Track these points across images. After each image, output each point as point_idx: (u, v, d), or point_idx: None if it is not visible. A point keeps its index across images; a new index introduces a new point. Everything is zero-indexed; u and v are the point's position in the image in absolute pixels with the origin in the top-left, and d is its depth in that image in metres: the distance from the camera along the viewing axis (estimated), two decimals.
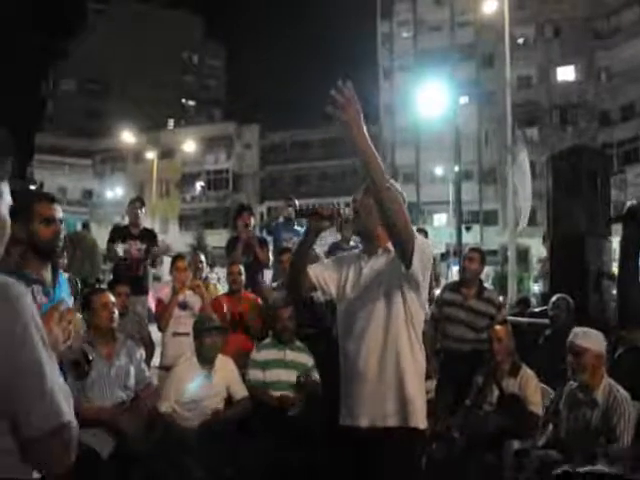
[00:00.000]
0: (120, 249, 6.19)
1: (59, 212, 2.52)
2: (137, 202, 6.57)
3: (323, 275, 2.54)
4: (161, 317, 5.26)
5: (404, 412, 2.37)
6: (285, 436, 3.78)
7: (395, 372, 2.38)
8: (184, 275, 5.38)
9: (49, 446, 1.24)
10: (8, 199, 1.34)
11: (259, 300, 5.40)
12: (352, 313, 2.48)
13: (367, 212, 2.46)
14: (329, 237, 6.10)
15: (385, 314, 2.39)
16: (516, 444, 3.61)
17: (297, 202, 6.98)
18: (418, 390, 2.42)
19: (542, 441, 3.51)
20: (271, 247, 6.38)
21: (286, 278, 2.84)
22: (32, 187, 49.71)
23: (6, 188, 1.33)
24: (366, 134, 2.23)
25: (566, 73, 34.84)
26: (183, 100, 61.12)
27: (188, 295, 5.28)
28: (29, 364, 1.21)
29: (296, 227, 6.54)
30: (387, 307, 2.40)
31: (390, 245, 2.40)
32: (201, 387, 4.00)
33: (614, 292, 6.87)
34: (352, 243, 6.84)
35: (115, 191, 45.77)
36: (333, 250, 6.57)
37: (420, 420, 2.39)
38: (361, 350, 2.42)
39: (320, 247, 4.82)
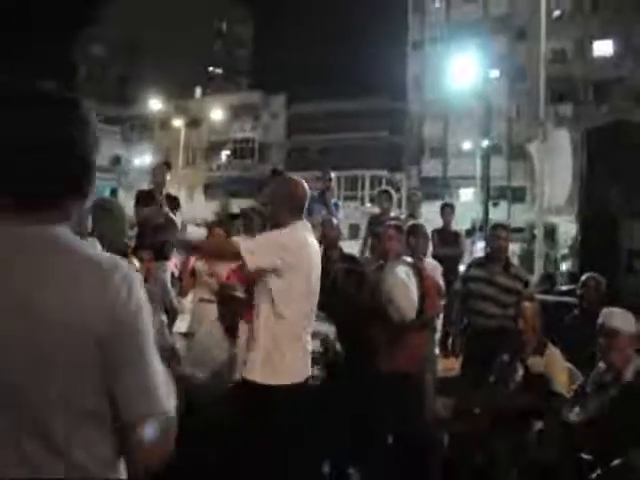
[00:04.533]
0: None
1: None
2: (164, 166, 6.55)
3: None
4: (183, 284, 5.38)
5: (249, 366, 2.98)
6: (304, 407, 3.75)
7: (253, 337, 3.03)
8: None
9: (147, 434, 1.15)
10: (95, 125, 1.25)
11: None
12: None
13: (278, 202, 3.09)
14: (355, 212, 6.06)
15: (260, 296, 3.03)
16: (540, 423, 3.55)
17: (332, 174, 6.93)
18: (260, 347, 2.96)
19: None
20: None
21: None
22: None
23: (94, 116, 1.23)
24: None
25: (603, 48, 33.84)
26: (210, 68, 60.86)
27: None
28: (137, 342, 1.18)
29: (333, 200, 6.50)
30: (260, 290, 3.03)
31: None
32: (224, 354, 4.00)
33: None
34: (392, 214, 6.78)
35: (143, 158, 46.00)
36: (374, 222, 6.53)
37: (257, 374, 2.93)
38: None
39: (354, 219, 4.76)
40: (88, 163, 1.20)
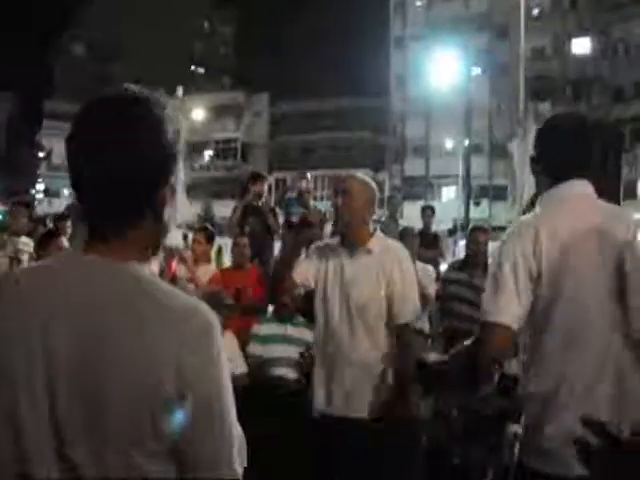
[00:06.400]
0: None
1: None
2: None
3: (302, 272, 2.89)
4: None
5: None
6: (278, 414, 3.76)
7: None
8: (200, 248, 5.40)
9: None
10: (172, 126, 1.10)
11: (262, 275, 5.38)
12: (335, 304, 2.83)
13: (365, 207, 2.79)
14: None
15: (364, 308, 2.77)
16: (515, 426, 3.61)
17: (309, 175, 6.96)
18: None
19: None
20: (281, 220, 6.41)
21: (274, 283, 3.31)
22: (40, 154, 49.85)
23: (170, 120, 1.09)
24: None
25: (581, 45, 34.19)
26: (192, 67, 60.55)
27: (199, 270, 5.26)
28: (215, 394, 1.01)
29: (311, 202, 6.56)
30: (367, 302, 2.76)
31: (372, 245, 2.78)
32: None
33: None
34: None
35: None
36: None
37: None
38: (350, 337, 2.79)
39: None
40: (156, 181, 1.06)
